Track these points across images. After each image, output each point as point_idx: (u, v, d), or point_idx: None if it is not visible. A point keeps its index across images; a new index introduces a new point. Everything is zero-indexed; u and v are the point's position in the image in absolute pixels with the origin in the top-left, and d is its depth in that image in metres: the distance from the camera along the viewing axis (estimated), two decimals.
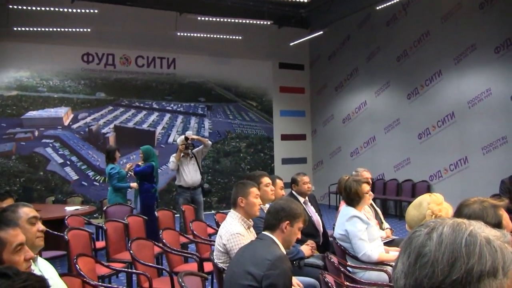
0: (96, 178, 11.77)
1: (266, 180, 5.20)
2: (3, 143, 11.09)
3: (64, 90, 11.70)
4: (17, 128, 11.24)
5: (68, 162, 11.58)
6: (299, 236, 3.45)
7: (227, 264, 3.84)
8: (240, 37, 12.52)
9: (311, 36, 12.75)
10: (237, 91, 13.84)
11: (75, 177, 11.63)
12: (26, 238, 2.37)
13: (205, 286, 4.20)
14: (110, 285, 4.68)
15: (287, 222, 3.32)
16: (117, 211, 7.45)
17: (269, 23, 12.03)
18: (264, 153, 14.25)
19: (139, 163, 8.34)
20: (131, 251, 4.88)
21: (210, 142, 8.89)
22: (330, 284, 3.37)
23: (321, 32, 12.16)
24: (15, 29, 10.47)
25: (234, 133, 13.80)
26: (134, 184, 8.37)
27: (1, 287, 1.12)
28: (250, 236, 4.08)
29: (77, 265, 4.13)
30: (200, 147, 8.61)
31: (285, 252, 3.26)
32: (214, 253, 4.19)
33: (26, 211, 2.89)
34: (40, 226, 2.90)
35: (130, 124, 12.34)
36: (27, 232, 2.59)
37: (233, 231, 4.05)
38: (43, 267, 2.69)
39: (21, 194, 10.63)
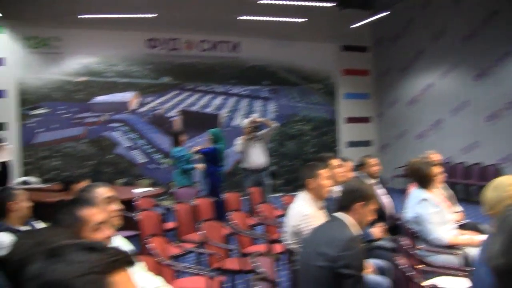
0: (163, 161, 11.95)
1: (335, 161, 5.13)
2: (74, 127, 11.41)
3: (130, 75, 11.91)
4: (86, 112, 11.53)
5: (135, 146, 11.81)
6: (373, 217, 3.38)
7: (298, 246, 3.81)
8: (302, 20, 12.36)
9: (374, 18, 12.44)
10: (301, 74, 13.71)
11: (142, 160, 11.85)
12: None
13: (276, 267, 4.18)
14: (182, 263, 4.72)
15: (362, 202, 3.26)
16: (185, 193, 7.58)
17: (331, 5, 11.81)
18: (328, 136, 14.10)
19: (205, 146, 8.40)
20: (203, 232, 4.91)
21: (276, 124, 8.85)
22: (403, 267, 3.27)
23: (385, 14, 11.85)
24: (81, 16, 10.71)
25: (298, 116, 13.70)
26: (199, 166, 8.45)
27: (90, 261, 1.14)
28: (321, 217, 4.02)
29: (149, 245, 4.18)
30: (266, 129, 8.58)
31: (357, 233, 3.19)
32: (285, 235, 4.16)
33: (103, 191, 2.94)
34: (116, 205, 2.94)
35: (195, 108, 12.45)
36: (104, 211, 2.62)
37: (304, 212, 4.02)
38: (120, 246, 2.72)
39: (92, 177, 10.91)
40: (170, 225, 6.80)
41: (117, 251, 1.19)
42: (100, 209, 2.41)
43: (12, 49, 10.91)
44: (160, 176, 11.77)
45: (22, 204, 3.76)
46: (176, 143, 8.45)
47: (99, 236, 2.33)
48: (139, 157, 11.86)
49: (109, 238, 2.40)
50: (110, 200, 2.91)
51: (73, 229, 2.16)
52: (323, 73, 13.98)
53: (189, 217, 6.39)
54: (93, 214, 2.32)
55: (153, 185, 10.11)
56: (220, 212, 7.03)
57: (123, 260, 1.20)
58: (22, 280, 1.39)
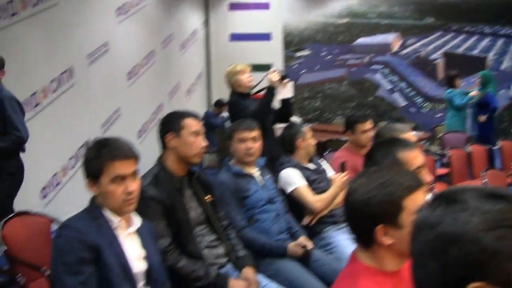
0: (424, 105, 11.43)
1: None
2: (335, 68, 11.44)
3: (392, 16, 11.53)
4: (348, 54, 11.46)
5: (396, 88, 11.47)
6: None
7: None
8: None
9: None
10: None
11: (403, 103, 11.47)
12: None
13: None
14: None
15: None
16: (453, 139, 7.24)
17: None
18: None
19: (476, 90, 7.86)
20: (485, 180, 4.60)
21: None
22: None
23: None
24: None
25: None
26: (474, 93, 7.83)
27: (503, 211, 0.93)
28: None
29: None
30: None
31: None
32: None
33: (408, 136, 2.78)
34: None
35: (460, 50, 11.68)
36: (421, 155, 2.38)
37: None
38: None
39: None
40: (440, 171, 6.48)
41: None
42: (418, 152, 2.26)
43: None
44: (421, 120, 11.29)
45: (309, 141, 3.84)
46: (450, 86, 7.95)
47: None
48: (400, 100, 11.48)
49: (428, 184, 2.28)
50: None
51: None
52: None
53: (463, 164, 6.09)
54: (413, 157, 2.18)
55: (414, 129, 9.65)
56: (491, 161, 6.79)
57: None
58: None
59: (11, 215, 3.23)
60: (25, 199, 4.36)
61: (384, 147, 2.25)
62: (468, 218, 0.93)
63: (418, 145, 2.75)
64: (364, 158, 2.31)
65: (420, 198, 1.54)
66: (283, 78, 4.35)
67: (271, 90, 4.28)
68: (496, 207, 0.93)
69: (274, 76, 4.28)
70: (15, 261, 3.06)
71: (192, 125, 2.71)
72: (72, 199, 4.16)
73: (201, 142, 2.72)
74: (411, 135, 2.87)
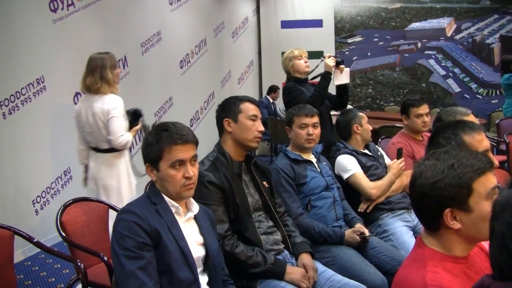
0: (479, 91, 11.13)
1: None
2: (388, 54, 11.28)
3: (447, 0, 11.24)
4: (400, 40, 11.26)
5: (450, 74, 11.21)
6: None
7: None
8: None
9: None
10: None
11: (457, 89, 11.21)
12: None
13: None
14: None
15: None
16: (510, 125, 7.07)
17: None
18: None
19: None
20: None
21: None
22: None
23: None
24: None
25: None
26: None
27: None
28: None
29: None
30: None
31: None
32: None
33: (471, 119, 2.74)
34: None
35: None
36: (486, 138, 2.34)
37: None
38: None
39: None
40: (498, 158, 6.21)
41: None
42: (484, 135, 2.21)
43: None
44: (476, 106, 10.98)
45: (365, 127, 3.80)
46: (505, 71, 7.66)
47: None
48: (454, 86, 11.20)
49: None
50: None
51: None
52: None
53: None
54: (479, 140, 2.15)
55: None
56: None
57: None
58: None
59: (69, 202, 3.30)
60: (82, 187, 4.41)
61: (450, 130, 2.19)
62: None
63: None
64: (428, 142, 2.25)
65: (491, 181, 1.49)
66: (339, 63, 4.28)
67: (327, 76, 4.22)
68: None
69: (330, 62, 4.22)
70: (74, 246, 3.13)
71: (249, 109, 2.71)
72: None
73: (259, 126, 2.71)
74: (474, 118, 2.78)
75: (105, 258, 2.95)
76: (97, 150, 4.11)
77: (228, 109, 2.72)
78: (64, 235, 3.13)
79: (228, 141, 2.72)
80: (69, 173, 5.42)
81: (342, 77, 4.35)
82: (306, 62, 4.35)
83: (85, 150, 4.21)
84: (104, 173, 4.09)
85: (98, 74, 3.95)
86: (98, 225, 3.44)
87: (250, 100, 2.76)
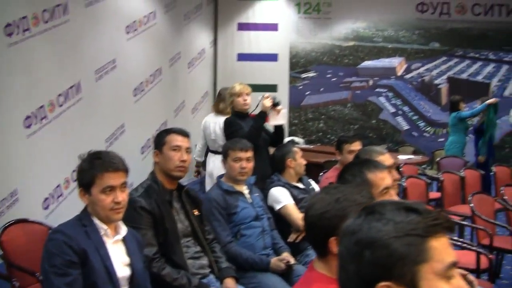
0: (427, 129, 11.57)
1: None
2: (340, 90, 11.61)
3: (398, 40, 11.71)
4: (353, 77, 11.64)
5: (400, 112, 11.61)
6: None
7: None
8: None
9: None
10: None
11: (406, 127, 11.61)
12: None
13: None
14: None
15: None
16: (450, 163, 7.29)
17: None
18: None
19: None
20: (471, 205, 4.70)
21: None
22: None
23: None
24: None
25: None
26: (492, 100, 7.91)
27: (410, 222, 1.09)
28: None
29: None
30: None
31: None
32: None
33: (387, 156, 3.02)
34: (395, 173, 2.94)
35: (464, 76, 11.81)
36: (390, 176, 2.54)
37: None
38: None
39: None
40: (434, 194, 6.59)
41: (437, 214, 1.12)
42: (387, 174, 2.40)
43: (285, 15, 11.41)
44: (422, 144, 11.41)
45: (299, 161, 3.99)
46: (454, 110, 8.09)
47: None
48: (402, 124, 11.61)
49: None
50: (391, 167, 2.81)
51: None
52: None
53: (456, 188, 6.17)
54: (381, 178, 2.32)
55: (415, 152, 9.80)
56: (487, 186, 6.89)
57: (444, 225, 1.11)
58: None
59: (10, 222, 3.41)
60: (28, 209, 4.51)
61: (356, 167, 2.41)
62: (382, 227, 1.10)
63: (392, 166, 2.89)
64: (337, 177, 2.47)
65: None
66: (276, 104, 4.49)
67: (262, 115, 4.44)
68: (407, 218, 1.10)
69: (267, 102, 4.43)
70: (12, 265, 3.23)
71: (172, 140, 2.93)
72: (73, 211, 4.31)
73: (181, 156, 2.90)
74: (388, 157, 3.02)
75: (41, 278, 3.06)
76: (216, 152, 5.22)
77: (157, 141, 2.95)
78: (2, 253, 3.23)
79: (158, 170, 2.91)
80: (15, 194, 5.46)
81: (279, 118, 4.55)
82: (245, 100, 4.54)
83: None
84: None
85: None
86: (38, 246, 3.53)
87: (177, 132, 2.96)
